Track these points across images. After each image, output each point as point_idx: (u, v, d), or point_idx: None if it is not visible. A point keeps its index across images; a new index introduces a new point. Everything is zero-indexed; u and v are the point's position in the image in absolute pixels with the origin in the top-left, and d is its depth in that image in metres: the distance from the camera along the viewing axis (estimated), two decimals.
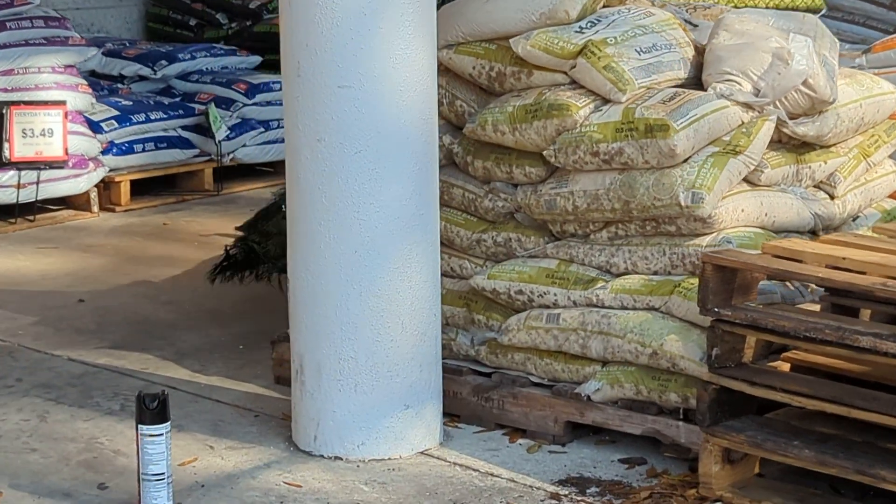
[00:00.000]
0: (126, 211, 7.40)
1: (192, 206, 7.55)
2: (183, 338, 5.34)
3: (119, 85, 8.00)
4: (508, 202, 4.47)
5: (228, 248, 5.47)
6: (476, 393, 4.40)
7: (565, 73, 4.31)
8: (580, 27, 4.29)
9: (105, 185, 7.34)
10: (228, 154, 7.71)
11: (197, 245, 6.73)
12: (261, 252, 5.32)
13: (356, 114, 4.04)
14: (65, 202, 7.30)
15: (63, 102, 6.99)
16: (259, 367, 4.97)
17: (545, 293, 4.30)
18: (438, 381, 4.27)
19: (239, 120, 7.81)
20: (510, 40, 4.35)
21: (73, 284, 6.05)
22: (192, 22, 8.98)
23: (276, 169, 8.05)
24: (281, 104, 7.81)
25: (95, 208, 7.28)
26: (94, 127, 7.24)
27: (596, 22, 4.32)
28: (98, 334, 5.38)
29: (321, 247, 4.13)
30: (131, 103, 7.58)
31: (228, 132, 7.64)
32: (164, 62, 8.04)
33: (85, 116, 7.22)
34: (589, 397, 4.21)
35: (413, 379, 4.16)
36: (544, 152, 4.28)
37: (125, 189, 7.40)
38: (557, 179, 4.30)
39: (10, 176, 6.92)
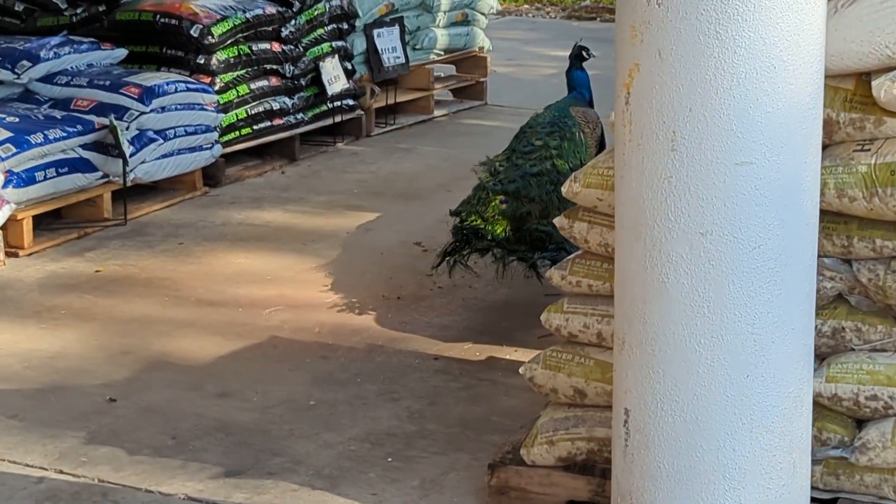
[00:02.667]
0: (30, 255, 5.99)
1: (104, 242, 6.23)
2: (298, 449, 4.19)
3: None
4: (839, 282, 3.59)
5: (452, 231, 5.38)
6: None
7: None
8: None
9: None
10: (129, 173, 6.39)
11: (168, 299, 5.49)
12: (490, 233, 5.28)
13: (756, 197, 3.06)
14: None
15: None
16: (455, 496, 3.91)
17: None
18: None
19: (136, 132, 6.48)
20: (873, 84, 3.45)
21: (71, 375, 4.74)
22: (20, 7, 7.45)
23: (174, 185, 6.80)
24: (180, 108, 6.66)
25: (1, 255, 5.83)
26: None
27: None
28: (186, 453, 4.15)
29: (699, 371, 3.14)
30: (17, 119, 6.13)
31: (130, 147, 6.33)
32: (25, 63, 6.59)
33: None
34: None
35: None
36: None
37: (28, 228, 5.99)
38: None
39: None
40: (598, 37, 11.91)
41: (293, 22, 7.47)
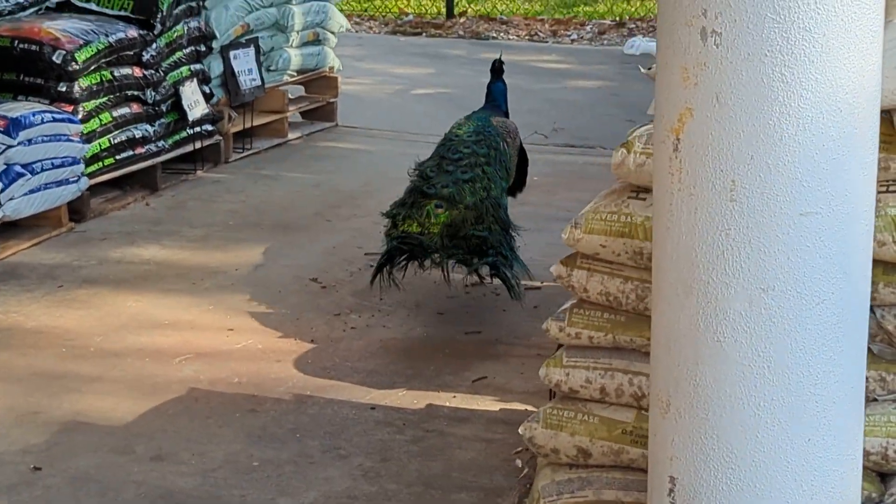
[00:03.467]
0: None
1: None
2: None
3: None
4: None
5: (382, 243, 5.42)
6: None
7: None
8: None
9: None
10: None
11: (65, 350, 5.13)
12: (428, 242, 5.33)
13: (820, 249, 2.88)
14: None
15: None
16: None
17: None
18: None
19: (4, 166, 6.03)
20: None
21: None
22: None
23: (38, 222, 6.36)
24: (47, 140, 6.21)
25: None
26: None
27: None
28: None
29: (758, 436, 2.94)
30: None
31: None
32: None
33: None
34: None
35: None
36: None
37: None
38: None
39: None
40: (428, 52, 11.75)
41: (154, 45, 7.08)
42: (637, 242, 3.49)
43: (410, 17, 13.20)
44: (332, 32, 8.84)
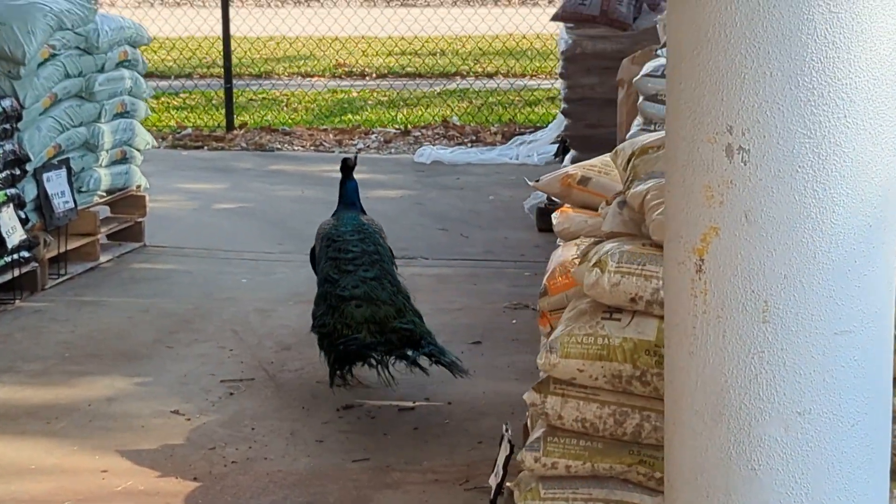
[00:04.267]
0: None
1: None
2: None
3: None
4: None
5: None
6: None
7: None
8: None
9: None
10: None
11: None
12: (365, 343, 5.53)
13: (855, 369, 2.81)
14: None
15: None
16: None
17: None
18: None
19: None
20: None
21: None
22: None
23: None
24: None
25: None
26: None
27: None
28: None
29: None
30: None
31: None
32: None
33: None
34: None
35: None
36: None
37: None
38: None
39: None
40: (216, 166, 11.51)
41: None
42: (615, 365, 3.37)
43: (189, 130, 12.91)
44: (139, 150, 8.55)
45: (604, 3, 8.66)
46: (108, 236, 8.38)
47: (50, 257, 7.58)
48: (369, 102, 14.88)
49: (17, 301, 7.21)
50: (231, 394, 5.88)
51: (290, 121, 13.54)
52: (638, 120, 5.79)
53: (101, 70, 7.99)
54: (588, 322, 3.42)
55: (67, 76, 7.70)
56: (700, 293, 2.81)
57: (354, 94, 15.46)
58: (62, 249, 7.67)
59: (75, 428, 5.47)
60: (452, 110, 13.97)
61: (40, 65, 7.48)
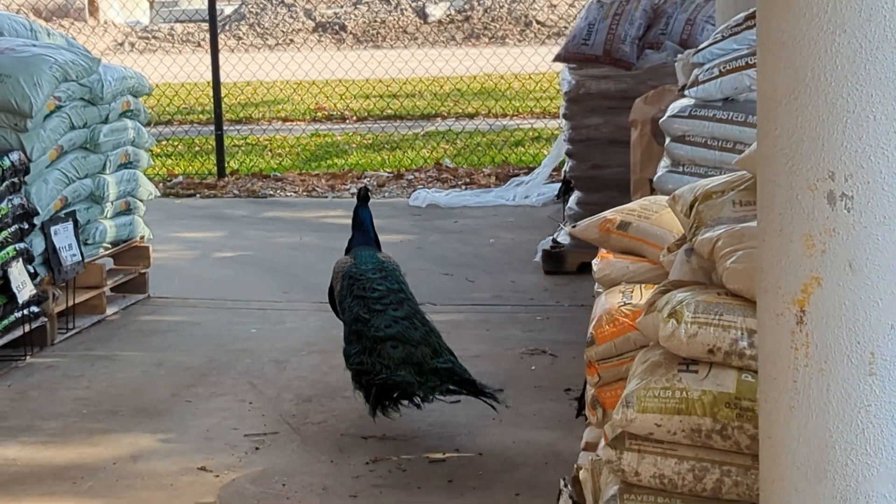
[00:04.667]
0: None
1: None
2: None
3: None
4: None
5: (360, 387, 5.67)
6: None
7: None
8: None
9: None
10: None
11: None
12: (406, 380, 5.54)
13: None
14: None
15: None
16: None
17: None
18: None
19: None
20: None
21: None
22: None
23: None
24: None
25: None
26: None
27: None
28: None
29: None
30: None
31: None
32: None
33: None
34: None
35: None
36: None
37: None
38: None
39: None
40: (210, 214, 11.41)
41: None
42: (695, 419, 3.28)
43: (180, 178, 12.81)
44: (142, 200, 8.45)
45: (607, 42, 8.61)
46: (112, 288, 8.26)
47: (57, 311, 7.46)
48: (353, 146, 14.81)
49: (27, 357, 7.08)
50: (257, 448, 5.77)
51: (277, 166, 13.46)
52: (665, 161, 5.73)
53: (105, 121, 7.90)
54: (664, 375, 3.34)
55: (73, 128, 7.60)
56: (801, 346, 2.73)
57: (338, 138, 15.41)
58: (70, 303, 7.55)
59: (103, 488, 5.36)
60: (438, 152, 13.91)
61: (46, 117, 7.39)
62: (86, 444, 5.86)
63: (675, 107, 5.77)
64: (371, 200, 6.68)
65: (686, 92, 5.71)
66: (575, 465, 4.63)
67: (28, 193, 7.15)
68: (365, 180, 12.61)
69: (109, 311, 8.01)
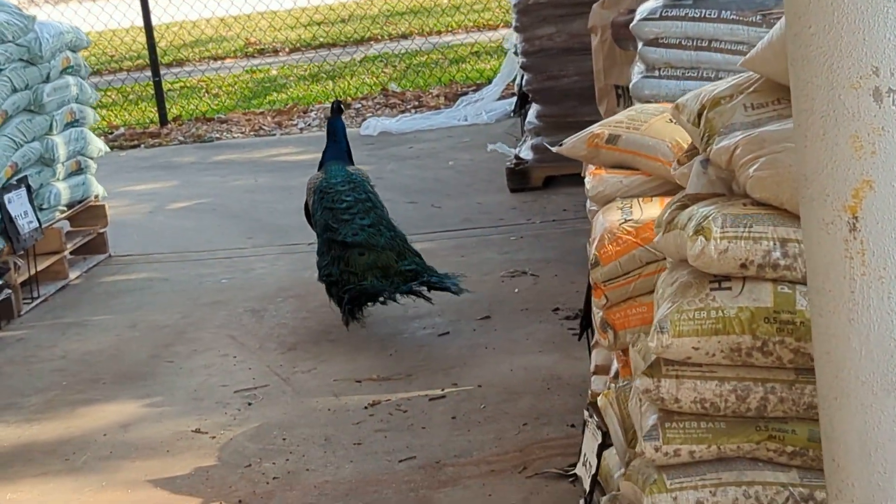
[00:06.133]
0: None
1: None
2: None
3: None
4: None
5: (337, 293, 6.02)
6: None
7: None
8: None
9: None
10: None
11: None
12: (374, 286, 5.94)
13: None
14: None
15: None
16: None
17: None
18: None
19: None
20: None
21: None
22: None
23: None
24: None
25: None
26: None
27: None
28: None
29: None
30: None
31: None
32: None
33: None
34: None
35: None
36: None
37: None
38: None
39: None
40: (158, 164, 11.16)
41: None
42: (733, 338, 3.13)
43: (122, 129, 12.50)
44: (92, 158, 8.18)
45: None
46: (72, 251, 8.01)
47: (20, 282, 7.23)
48: (291, 79, 14.52)
49: None
50: (249, 404, 5.60)
51: (220, 108, 13.16)
52: (639, 67, 5.54)
53: (47, 80, 7.63)
54: (696, 295, 3.17)
55: (14, 91, 7.33)
56: (857, 254, 2.57)
57: (273, 72, 15.11)
58: (32, 272, 7.32)
59: (98, 461, 5.17)
60: (380, 77, 13.67)
61: None
62: (72, 417, 5.67)
63: (643, 9, 5.57)
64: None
65: None
66: (589, 392, 4.49)
67: None
68: (312, 114, 12.37)
69: (72, 275, 7.79)
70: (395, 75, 13.79)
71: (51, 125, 7.63)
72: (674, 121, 3.80)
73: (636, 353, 3.41)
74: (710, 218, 3.14)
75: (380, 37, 16.65)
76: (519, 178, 8.78)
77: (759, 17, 5.27)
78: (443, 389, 5.52)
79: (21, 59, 7.41)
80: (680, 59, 5.43)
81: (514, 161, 8.86)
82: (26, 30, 7.40)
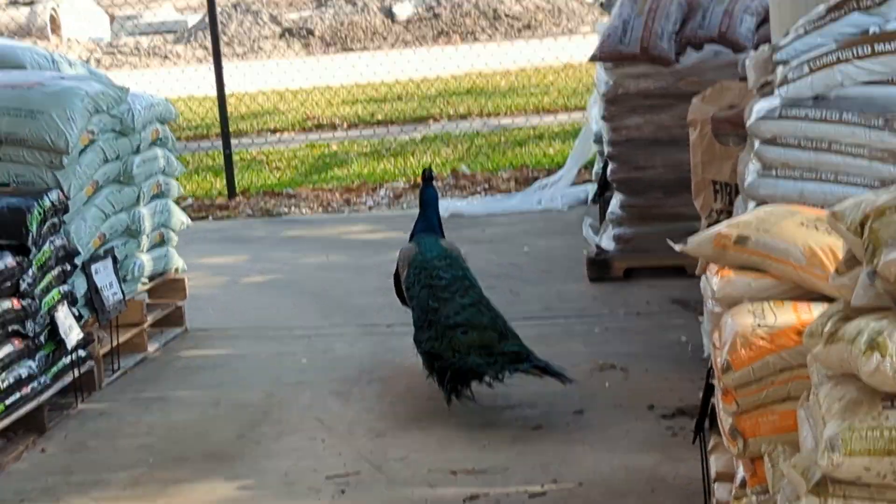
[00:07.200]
0: None
1: None
2: None
3: None
4: None
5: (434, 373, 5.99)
6: None
7: None
8: None
9: None
10: None
11: None
12: (477, 364, 5.87)
13: None
14: None
15: None
16: None
17: None
18: None
19: None
20: None
21: None
22: None
23: None
24: None
25: None
26: None
27: None
28: None
29: None
30: None
31: None
32: None
33: None
34: None
35: None
36: None
37: None
38: None
39: None
40: (228, 237, 11.19)
41: (29, 271, 6.26)
42: None
43: (190, 200, 12.48)
44: (174, 231, 8.14)
45: (643, 40, 8.35)
46: (150, 324, 7.94)
47: (102, 353, 7.16)
48: (352, 154, 14.50)
49: (78, 404, 6.77)
50: (343, 491, 5.50)
51: (288, 182, 13.12)
52: (755, 165, 5.45)
53: (137, 151, 7.60)
54: (869, 413, 3.06)
55: (106, 161, 7.31)
56: None
57: (334, 148, 15.08)
58: (114, 344, 7.25)
59: None
60: (440, 156, 13.63)
61: (80, 152, 7.09)
62: (162, 497, 5.57)
63: (760, 109, 5.48)
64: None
65: (777, 91, 5.43)
66: (714, 500, 4.37)
67: (67, 233, 6.85)
68: (381, 192, 12.31)
69: (150, 348, 7.71)
70: (457, 156, 13.75)
71: (138, 197, 7.59)
72: (829, 229, 3.71)
73: (791, 469, 3.30)
74: (885, 333, 3.04)
75: (438, 116, 16.64)
76: (599, 267, 8.69)
77: (882, 121, 5.19)
78: (542, 486, 5.40)
79: (113, 130, 7.39)
80: (798, 160, 5.34)
81: (596, 251, 8.77)
82: (120, 100, 7.38)
